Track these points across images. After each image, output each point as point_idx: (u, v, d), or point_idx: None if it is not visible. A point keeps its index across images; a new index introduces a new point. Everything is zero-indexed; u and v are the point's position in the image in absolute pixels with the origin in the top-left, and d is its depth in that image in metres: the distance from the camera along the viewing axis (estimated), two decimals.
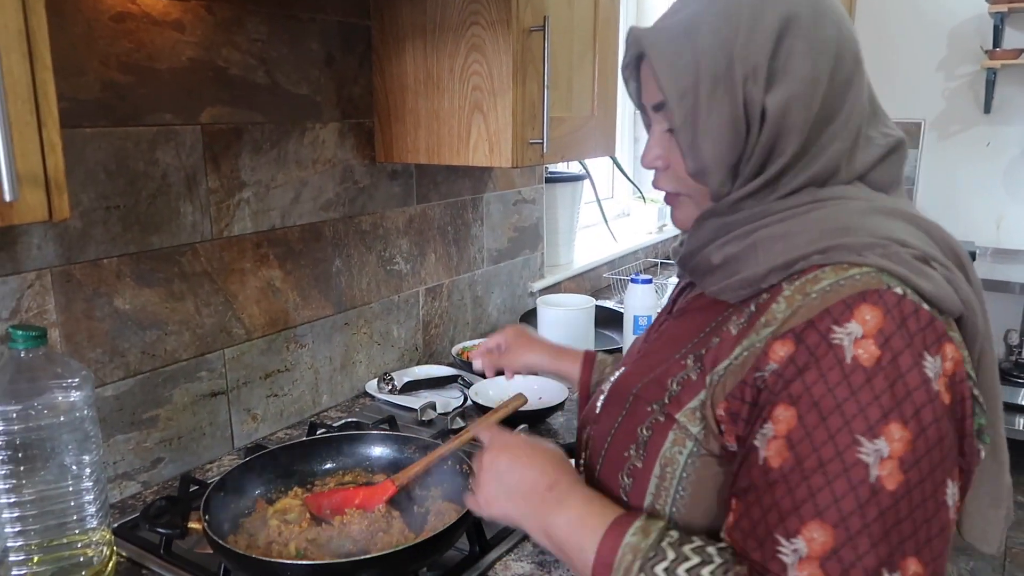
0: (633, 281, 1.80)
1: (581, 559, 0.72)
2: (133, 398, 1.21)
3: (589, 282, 2.58)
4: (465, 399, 1.56)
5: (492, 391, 1.55)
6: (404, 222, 1.71)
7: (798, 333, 0.65)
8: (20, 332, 0.87)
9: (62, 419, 0.88)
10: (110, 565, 0.97)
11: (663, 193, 0.84)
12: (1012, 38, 3.54)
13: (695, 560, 0.66)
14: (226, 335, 1.35)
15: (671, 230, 3.13)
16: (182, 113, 1.22)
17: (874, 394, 0.61)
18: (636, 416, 0.78)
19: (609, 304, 2.17)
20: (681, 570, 0.66)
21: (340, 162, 1.52)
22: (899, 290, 0.65)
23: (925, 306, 0.65)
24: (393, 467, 1.12)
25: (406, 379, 1.65)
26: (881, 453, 0.60)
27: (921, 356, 0.63)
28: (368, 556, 0.90)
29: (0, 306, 1.03)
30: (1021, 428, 3.07)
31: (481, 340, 1.86)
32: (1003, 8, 3.35)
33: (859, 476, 0.60)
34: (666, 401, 0.75)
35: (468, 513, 0.96)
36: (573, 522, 0.74)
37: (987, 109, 3.66)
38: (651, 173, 0.85)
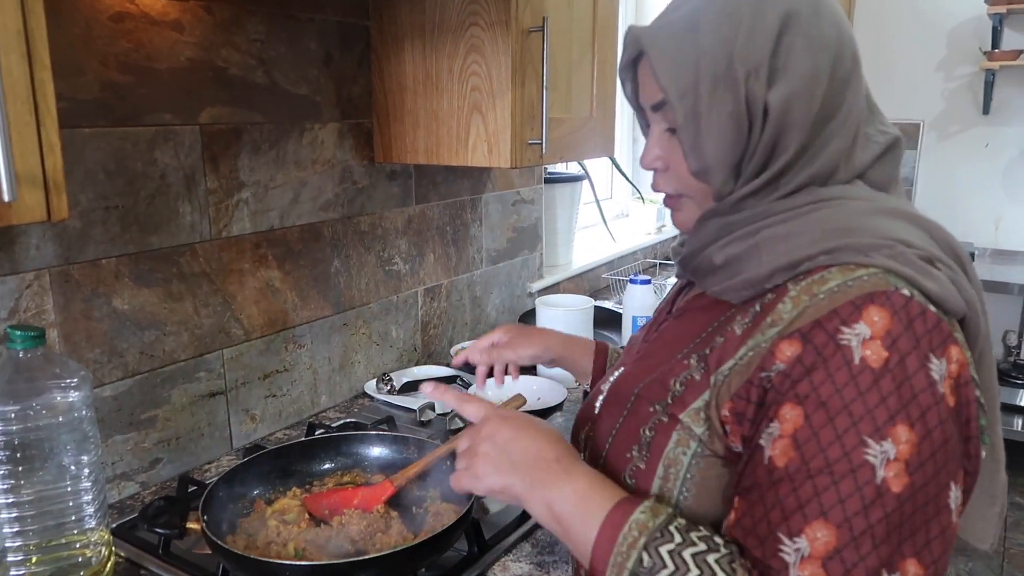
0: (632, 282, 1.80)
1: (583, 532, 0.70)
2: (131, 398, 1.21)
3: (588, 282, 2.58)
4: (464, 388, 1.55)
5: (491, 392, 1.55)
6: (403, 222, 1.71)
7: (805, 333, 0.65)
8: (19, 332, 0.87)
9: (60, 419, 0.88)
10: (108, 565, 0.97)
11: (662, 195, 0.84)
12: (1011, 39, 3.55)
13: (702, 547, 0.66)
14: (225, 335, 1.35)
15: (670, 231, 3.13)
16: (181, 113, 1.22)
17: (881, 396, 0.61)
18: (638, 416, 0.78)
19: (608, 305, 2.17)
20: (687, 554, 0.65)
21: (339, 162, 1.52)
22: (906, 292, 0.65)
23: (932, 308, 0.65)
24: (392, 467, 1.12)
25: (405, 379, 1.65)
26: (888, 455, 0.60)
27: (927, 358, 0.63)
28: (367, 557, 0.90)
29: None
30: (1019, 429, 3.07)
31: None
32: (1002, 9, 3.36)
33: (865, 477, 0.60)
34: (669, 401, 0.75)
35: (467, 514, 0.96)
36: (580, 492, 0.72)
37: (986, 110, 3.67)
38: (650, 173, 0.85)
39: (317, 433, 1.33)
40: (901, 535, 0.60)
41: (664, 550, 0.66)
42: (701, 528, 0.68)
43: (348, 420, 1.48)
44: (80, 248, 1.11)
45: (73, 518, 0.91)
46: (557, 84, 1.53)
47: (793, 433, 0.63)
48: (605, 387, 0.89)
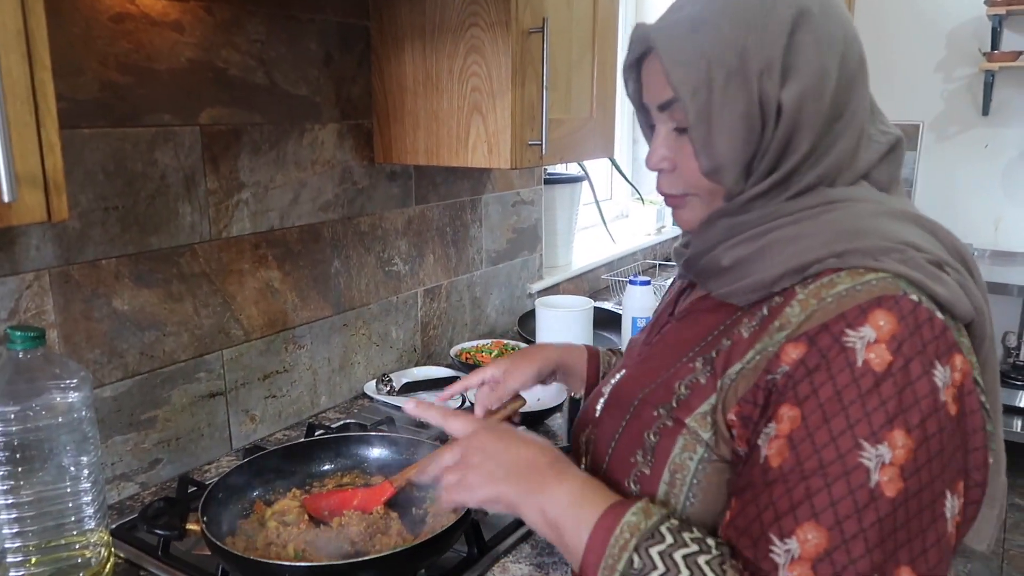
0: (632, 283, 1.80)
1: (575, 535, 0.69)
2: (131, 399, 1.21)
3: (588, 283, 2.58)
4: (463, 400, 1.55)
5: None
6: (403, 223, 1.71)
7: (812, 336, 0.65)
8: (19, 333, 0.87)
9: (60, 420, 0.88)
10: (108, 566, 0.97)
11: (664, 195, 0.83)
12: (1010, 40, 3.55)
13: (693, 548, 0.65)
14: (224, 336, 1.34)
15: (670, 231, 3.13)
16: (181, 114, 1.22)
17: (881, 399, 0.61)
18: (642, 421, 0.77)
19: (608, 306, 2.17)
20: (678, 555, 0.65)
21: (339, 163, 1.52)
22: (914, 296, 0.64)
23: (939, 314, 0.65)
24: (391, 468, 1.12)
25: (404, 380, 1.65)
26: (883, 459, 0.60)
27: (932, 365, 0.62)
28: (366, 558, 0.90)
29: None
30: (1018, 430, 3.07)
31: (481, 341, 1.87)
32: (1001, 10, 3.36)
33: (859, 480, 0.60)
34: (674, 405, 0.74)
35: (467, 515, 0.96)
36: (574, 494, 0.72)
37: (985, 111, 3.67)
38: (649, 174, 0.84)
39: (317, 434, 1.33)
40: (896, 541, 0.60)
41: (655, 551, 0.65)
42: (694, 529, 0.68)
43: (348, 421, 1.48)
44: (80, 249, 1.11)
45: (73, 519, 0.91)
46: (557, 85, 1.53)
47: (789, 433, 0.63)
48: (606, 390, 0.88)
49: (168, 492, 1.22)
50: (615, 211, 3.31)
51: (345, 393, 1.63)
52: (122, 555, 1.05)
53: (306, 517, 1.02)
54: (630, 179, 3.13)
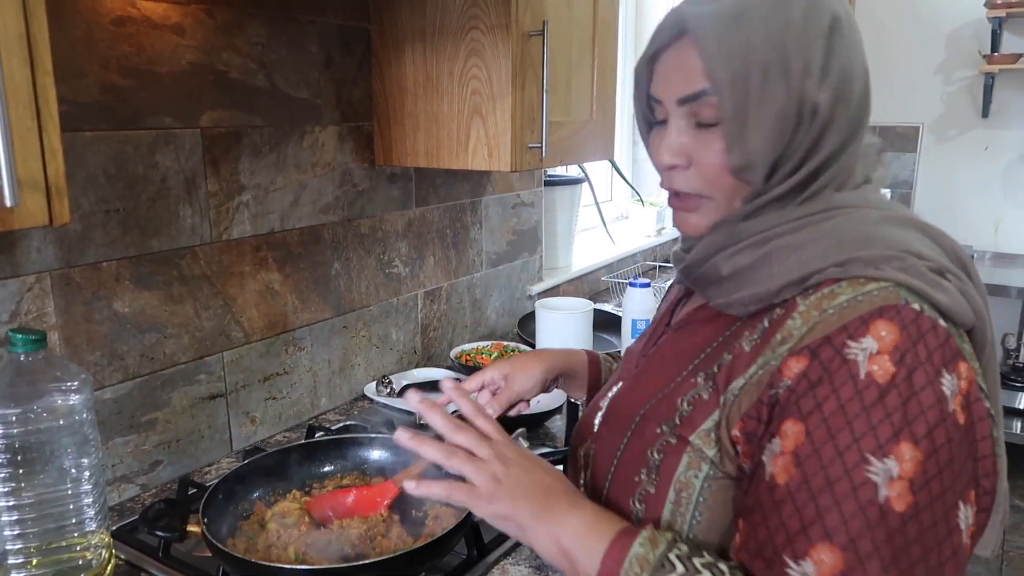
0: (631, 285, 1.80)
1: (588, 566, 0.68)
2: (132, 401, 1.21)
3: (587, 285, 2.59)
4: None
5: (489, 396, 1.54)
6: (403, 225, 1.72)
7: (814, 349, 0.63)
8: (20, 336, 0.87)
9: (61, 422, 0.88)
10: (109, 568, 0.97)
11: (665, 196, 0.79)
12: (1010, 43, 3.55)
13: (706, 575, 0.64)
14: (225, 338, 1.35)
15: (669, 233, 3.13)
16: (182, 116, 1.22)
17: (886, 411, 0.60)
18: (644, 438, 0.75)
19: (607, 307, 2.18)
20: None
21: (339, 165, 1.53)
22: (916, 306, 0.63)
23: (942, 322, 0.64)
24: (391, 470, 1.12)
25: (405, 382, 1.65)
26: (891, 473, 0.59)
27: (939, 374, 0.61)
28: (367, 561, 0.90)
29: None
30: (1018, 432, 3.08)
31: (481, 343, 1.88)
32: (1001, 13, 3.36)
33: (867, 496, 0.59)
34: (677, 422, 0.73)
35: (467, 518, 0.96)
36: (588, 522, 0.70)
37: (985, 113, 3.67)
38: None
39: (317, 436, 1.33)
40: (911, 558, 0.59)
41: None
42: (705, 553, 0.66)
43: (348, 423, 1.48)
44: (81, 251, 1.11)
45: (74, 520, 0.91)
46: (557, 87, 1.53)
47: (794, 450, 0.62)
48: (604, 403, 0.86)
49: (169, 494, 1.23)
50: (615, 213, 3.31)
51: (345, 395, 1.63)
52: (123, 556, 1.05)
53: (306, 519, 1.02)
54: (630, 181, 3.14)
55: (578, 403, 1.11)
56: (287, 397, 1.49)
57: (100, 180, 1.12)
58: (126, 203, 1.16)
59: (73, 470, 0.90)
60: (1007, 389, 3.25)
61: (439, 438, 0.79)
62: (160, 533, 0.99)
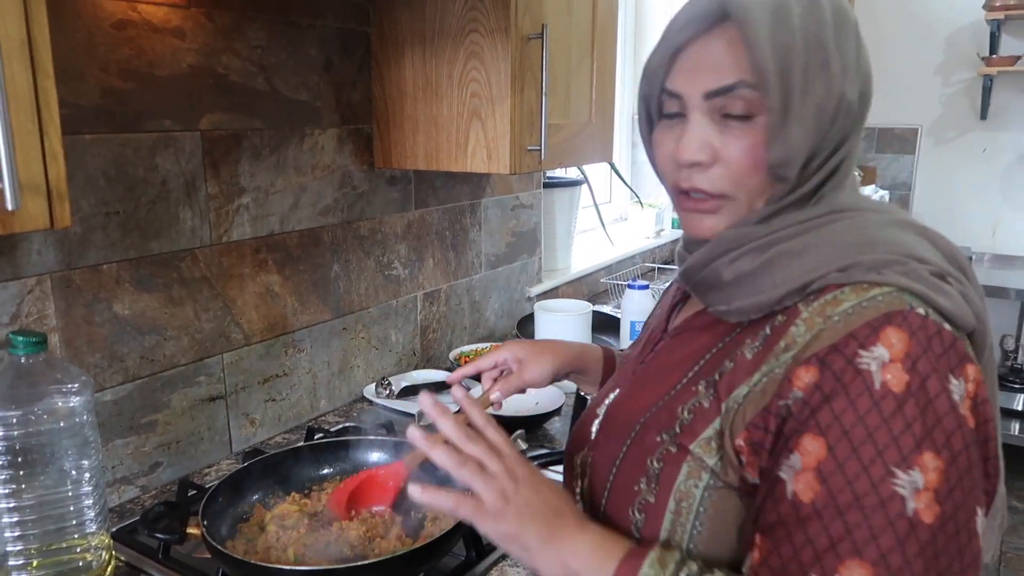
0: (630, 287, 1.81)
1: None
2: (132, 403, 1.21)
3: (586, 287, 2.59)
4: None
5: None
6: (402, 227, 1.72)
7: (822, 358, 0.62)
8: (21, 338, 0.87)
9: (62, 424, 0.89)
10: (109, 569, 0.97)
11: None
12: (1008, 45, 3.56)
13: None
14: (225, 340, 1.35)
15: (668, 235, 3.13)
16: (182, 119, 1.22)
17: (906, 422, 0.59)
18: (644, 447, 0.74)
19: (606, 309, 2.18)
20: None
21: (339, 168, 1.53)
22: (921, 310, 0.63)
23: (947, 326, 0.63)
24: None
25: (404, 384, 1.65)
26: (916, 485, 0.58)
27: (947, 380, 0.61)
28: (366, 562, 0.91)
29: (0, 311, 1.04)
30: (1015, 433, 3.08)
31: (480, 345, 1.88)
32: (999, 15, 3.37)
33: (896, 510, 0.58)
34: (677, 430, 0.72)
35: None
36: (596, 544, 0.69)
37: (983, 115, 3.68)
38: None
39: (316, 437, 1.34)
40: (939, 569, 0.58)
41: None
42: (716, 570, 0.66)
43: (347, 424, 1.48)
44: (81, 253, 1.11)
45: (74, 522, 0.92)
46: (556, 90, 1.53)
47: (817, 466, 0.61)
48: (601, 410, 0.84)
49: (168, 495, 1.23)
50: (614, 215, 3.31)
51: (344, 396, 1.64)
52: (123, 558, 1.05)
53: (306, 521, 1.03)
54: (629, 183, 3.14)
55: (588, 397, 1.11)
56: (287, 399, 1.50)
57: (100, 183, 1.12)
58: (126, 205, 1.16)
59: (73, 472, 0.91)
60: (1005, 391, 3.25)
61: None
62: (160, 535, 0.99)
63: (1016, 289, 3.24)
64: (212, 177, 1.28)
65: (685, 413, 0.72)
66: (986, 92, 3.60)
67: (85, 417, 0.91)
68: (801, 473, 0.62)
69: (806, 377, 0.63)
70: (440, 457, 0.72)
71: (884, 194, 3.95)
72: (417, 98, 1.51)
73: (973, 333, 0.68)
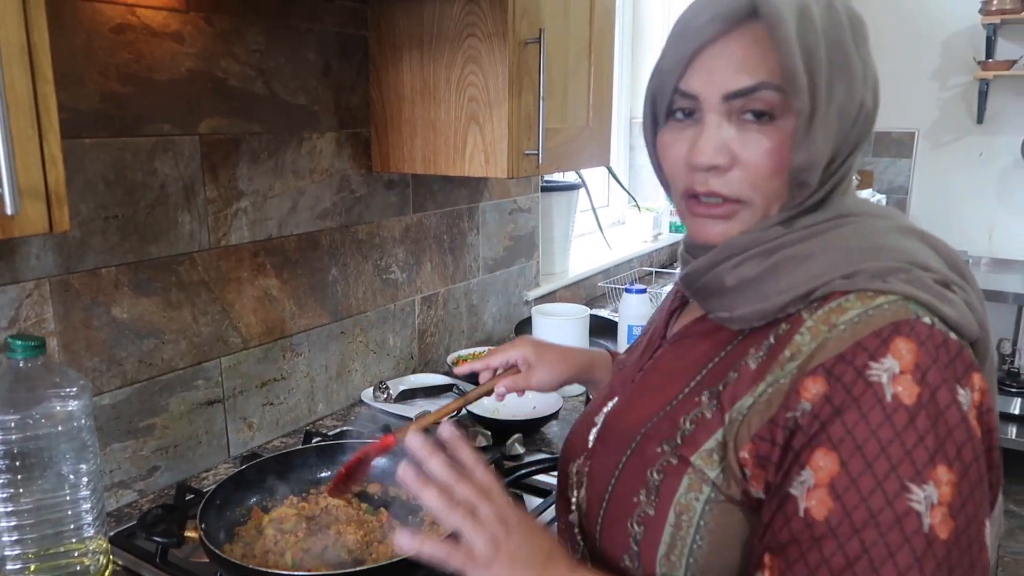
0: (628, 291, 1.81)
1: None
2: (130, 407, 1.21)
3: (584, 291, 2.59)
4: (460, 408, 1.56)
5: (487, 400, 1.55)
6: (400, 231, 1.72)
7: (829, 369, 0.61)
8: (19, 342, 0.87)
9: (60, 428, 0.89)
10: (106, 573, 0.97)
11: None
12: (1004, 49, 3.57)
13: None
14: (223, 344, 1.35)
15: (666, 239, 3.14)
16: (180, 123, 1.23)
17: (919, 435, 0.58)
18: (644, 458, 0.72)
19: (604, 313, 2.18)
20: None
21: (337, 172, 1.53)
22: (927, 320, 0.62)
23: (952, 335, 0.62)
24: (388, 475, 1.12)
25: (401, 387, 1.65)
26: (931, 499, 0.57)
27: (955, 390, 0.60)
28: (364, 567, 0.91)
29: None
30: (1012, 437, 3.09)
31: (478, 348, 1.88)
32: (996, 19, 3.39)
33: (913, 526, 0.57)
34: (679, 441, 0.70)
35: None
36: None
37: (980, 119, 3.69)
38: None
39: (314, 441, 1.34)
40: None
41: None
42: None
43: (345, 428, 1.48)
44: (80, 257, 1.12)
45: (72, 526, 0.92)
46: (553, 94, 1.54)
47: (830, 482, 0.59)
48: (598, 419, 0.82)
49: (166, 499, 1.23)
50: (612, 218, 3.32)
51: (342, 400, 1.64)
52: (120, 562, 1.05)
53: (303, 524, 1.03)
54: (627, 187, 3.15)
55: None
56: (284, 403, 1.50)
57: (99, 187, 1.12)
58: (125, 210, 1.16)
59: (71, 476, 0.91)
60: (1001, 395, 3.26)
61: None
62: (158, 539, 1.00)
63: (1013, 293, 3.25)
64: (211, 181, 1.29)
65: (687, 424, 0.70)
66: (982, 96, 3.61)
67: (83, 421, 0.91)
68: (813, 489, 0.60)
69: (813, 388, 0.61)
70: (431, 500, 0.69)
71: (881, 198, 3.96)
72: (415, 102, 1.51)
73: (976, 342, 0.67)
